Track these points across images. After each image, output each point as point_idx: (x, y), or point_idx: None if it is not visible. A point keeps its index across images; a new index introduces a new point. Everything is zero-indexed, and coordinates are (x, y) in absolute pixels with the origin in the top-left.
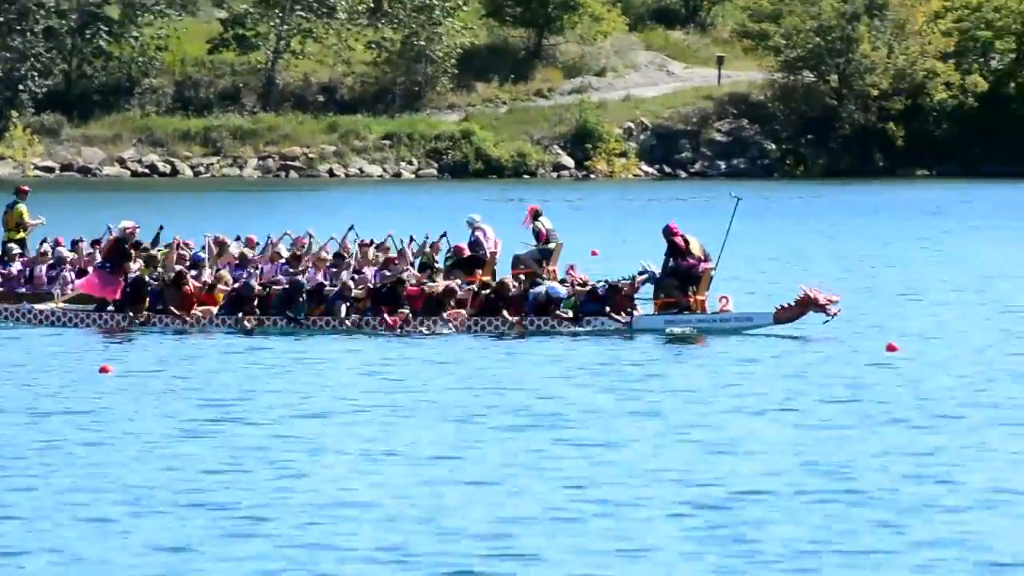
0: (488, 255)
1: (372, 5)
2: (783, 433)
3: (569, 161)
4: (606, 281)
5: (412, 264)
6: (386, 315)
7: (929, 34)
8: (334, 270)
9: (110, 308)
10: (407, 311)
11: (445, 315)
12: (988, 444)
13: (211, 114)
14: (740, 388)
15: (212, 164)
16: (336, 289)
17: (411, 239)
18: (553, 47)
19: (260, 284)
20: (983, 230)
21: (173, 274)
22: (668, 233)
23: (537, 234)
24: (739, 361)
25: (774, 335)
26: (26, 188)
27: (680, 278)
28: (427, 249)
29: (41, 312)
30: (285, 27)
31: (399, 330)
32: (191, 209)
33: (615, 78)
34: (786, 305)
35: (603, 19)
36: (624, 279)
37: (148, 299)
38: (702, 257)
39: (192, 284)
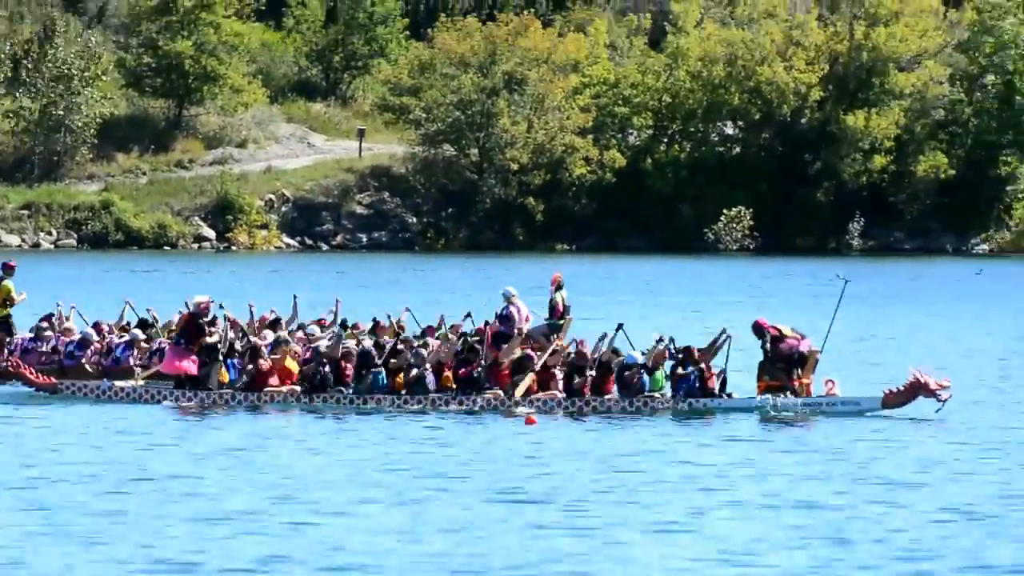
0: (516, 332)
1: (10, 74)
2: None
3: (210, 233)
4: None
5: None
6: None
7: (568, 110)
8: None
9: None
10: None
11: (542, 395)
12: None
13: None
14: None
15: None
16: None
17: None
18: (194, 118)
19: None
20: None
21: (250, 349)
22: (760, 330)
23: (553, 307)
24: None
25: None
26: (13, 264)
27: (785, 361)
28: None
29: (122, 389)
30: None
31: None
32: None
33: (256, 150)
34: (895, 389)
35: (243, 91)
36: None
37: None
38: (799, 337)
39: (267, 357)
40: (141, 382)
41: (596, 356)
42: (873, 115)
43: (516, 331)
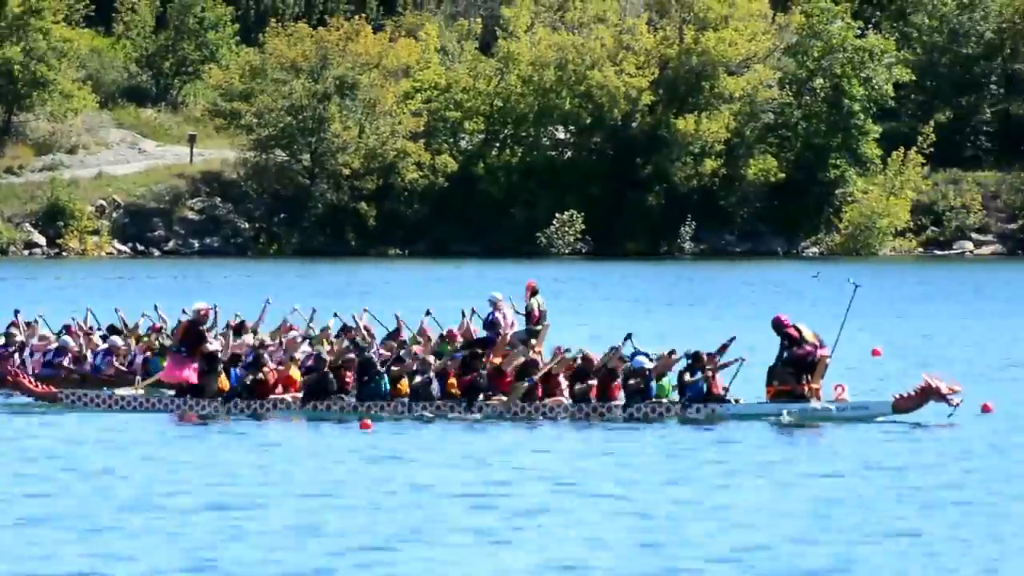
0: (499, 338)
1: None
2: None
3: (41, 239)
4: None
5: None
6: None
7: (400, 114)
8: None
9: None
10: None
11: (548, 402)
12: None
13: None
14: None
15: None
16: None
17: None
18: (23, 124)
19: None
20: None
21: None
22: (779, 326)
23: (529, 313)
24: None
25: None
26: None
27: (796, 366)
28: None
29: (123, 397)
30: None
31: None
32: None
33: (87, 155)
34: (906, 394)
35: (73, 96)
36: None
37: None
38: (817, 344)
39: (271, 366)
40: (141, 390)
41: (603, 363)
42: (703, 119)
43: (500, 336)
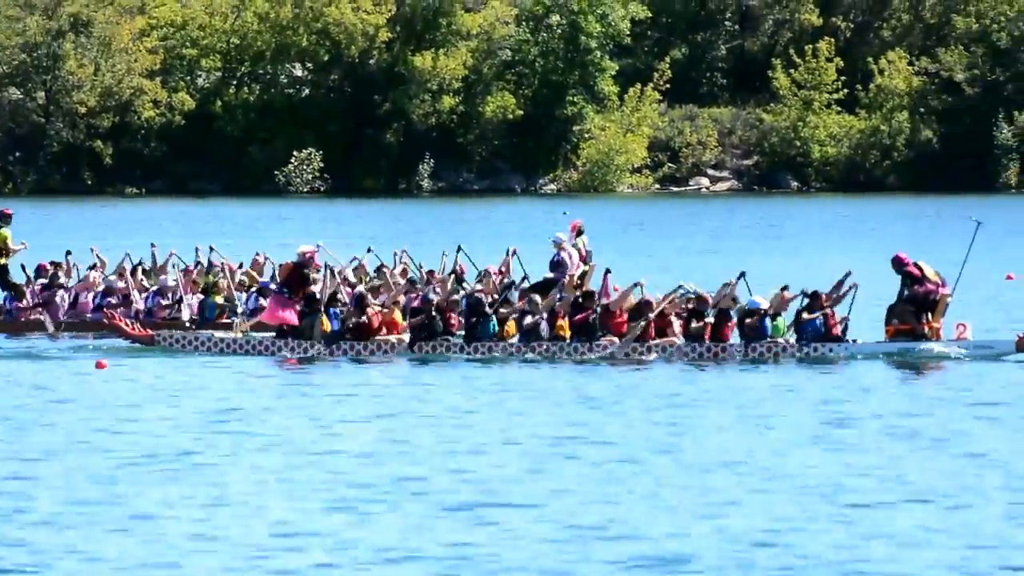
0: (568, 278)
1: None
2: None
3: None
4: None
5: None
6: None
7: (136, 52)
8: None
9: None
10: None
11: (660, 342)
12: None
13: None
14: None
15: None
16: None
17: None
18: None
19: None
20: None
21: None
22: (899, 264)
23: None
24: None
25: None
26: (9, 211)
27: (917, 305)
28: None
29: (222, 340)
30: None
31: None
32: None
33: None
34: None
35: None
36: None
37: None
38: (939, 282)
39: (374, 307)
40: (240, 333)
41: (717, 302)
42: (441, 56)
43: (568, 276)
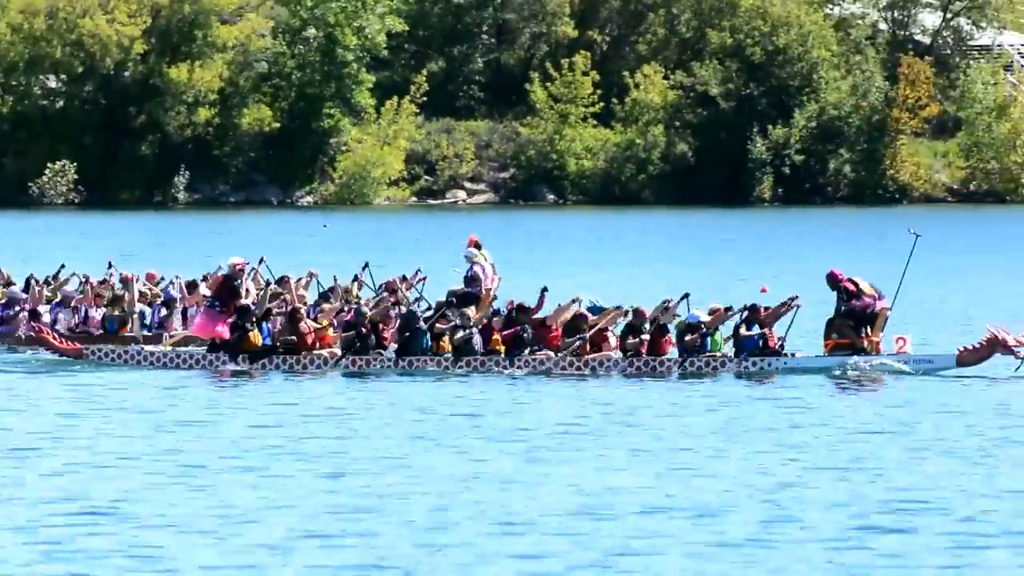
0: (484, 292)
1: None
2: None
3: None
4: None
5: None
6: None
7: None
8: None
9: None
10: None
11: (596, 356)
12: None
13: None
14: None
15: None
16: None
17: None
18: None
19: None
20: None
21: (289, 311)
22: (834, 281)
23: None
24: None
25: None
26: None
27: (855, 319)
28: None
29: (152, 354)
30: None
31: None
32: None
33: None
34: (971, 346)
35: None
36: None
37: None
38: (876, 295)
39: (306, 322)
40: (170, 347)
41: (653, 316)
42: (196, 68)
43: (485, 290)
